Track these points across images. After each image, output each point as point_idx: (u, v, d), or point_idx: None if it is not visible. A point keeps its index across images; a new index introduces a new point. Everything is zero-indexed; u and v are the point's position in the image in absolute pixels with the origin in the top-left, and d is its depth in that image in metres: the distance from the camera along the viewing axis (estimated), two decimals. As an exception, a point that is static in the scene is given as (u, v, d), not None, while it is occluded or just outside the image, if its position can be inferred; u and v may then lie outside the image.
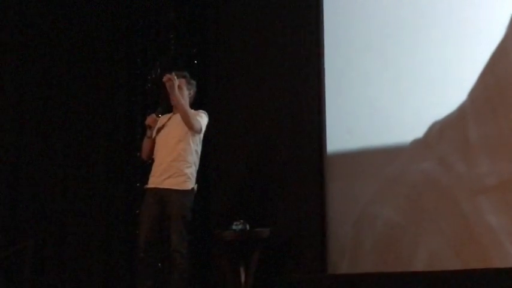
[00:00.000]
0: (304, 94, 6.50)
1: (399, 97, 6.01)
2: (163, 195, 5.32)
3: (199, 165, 5.63)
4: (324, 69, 6.47)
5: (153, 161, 5.55)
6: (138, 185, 5.91)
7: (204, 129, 5.55)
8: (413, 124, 5.88)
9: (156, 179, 5.37)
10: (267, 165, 6.65)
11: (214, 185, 6.94)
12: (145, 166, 5.87)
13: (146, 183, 5.52)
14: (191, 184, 5.41)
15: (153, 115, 5.57)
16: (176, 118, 5.47)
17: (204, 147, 6.06)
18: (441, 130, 5.78)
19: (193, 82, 5.71)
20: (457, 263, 5.55)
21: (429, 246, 5.69)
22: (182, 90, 5.48)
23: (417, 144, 5.89)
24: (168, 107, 5.65)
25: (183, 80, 5.55)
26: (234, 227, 6.03)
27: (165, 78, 5.41)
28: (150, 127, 5.51)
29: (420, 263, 5.73)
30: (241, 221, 6.04)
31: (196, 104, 5.75)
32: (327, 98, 6.42)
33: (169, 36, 6.94)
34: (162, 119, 5.59)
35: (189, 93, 5.60)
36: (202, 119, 5.52)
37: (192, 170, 5.43)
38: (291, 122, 6.54)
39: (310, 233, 6.27)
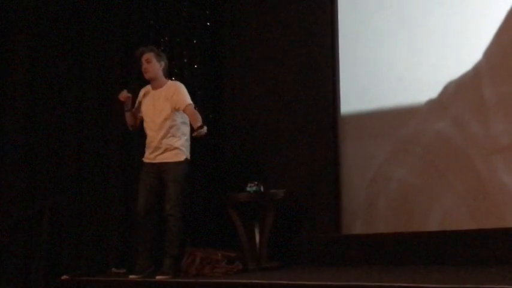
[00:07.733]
0: (318, 55, 6.47)
1: (414, 57, 5.96)
2: (159, 166, 5.59)
3: (214, 128, 5.66)
4: (338, 29, 6.43)
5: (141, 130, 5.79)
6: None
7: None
8: (428, 84, 5.84)
9: (150, 155, 5.65)
10: (281, 127, 6.64)
11: (229, 147, 6.96)
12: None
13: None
14: (184, 155, 5.61)
15: (125, 91, 5.71)
16: (159, 95, 5.64)
17: (219, 110, 6.10)
18: (456, 90, 5.73)
19: (163, 54, 5.88)
20: (471, 222, 5.54)
21: (443, 206, 5.68)
22: (152, 64, 5.65)
23: (432, 104, 5.85)
24: (140, 83, 5.84)
25: (151, 54, 5.69)
26: (248, 188, 6.05)
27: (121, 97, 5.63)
28: (124, 102, 5.69)
29: (434, 223, 5.74)
30: (256, 182, 6.05)
31: (211, 63, 5.82)
32: (340, 59, 6.39)
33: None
34: (141, 92, 5.77)
35: (161, 65, 5.74)
36: (187, 96, 5.63)
37: (182, 142, 5.63)
38: (305, 83, 6.52)
39: (324, 193, 6.29)
